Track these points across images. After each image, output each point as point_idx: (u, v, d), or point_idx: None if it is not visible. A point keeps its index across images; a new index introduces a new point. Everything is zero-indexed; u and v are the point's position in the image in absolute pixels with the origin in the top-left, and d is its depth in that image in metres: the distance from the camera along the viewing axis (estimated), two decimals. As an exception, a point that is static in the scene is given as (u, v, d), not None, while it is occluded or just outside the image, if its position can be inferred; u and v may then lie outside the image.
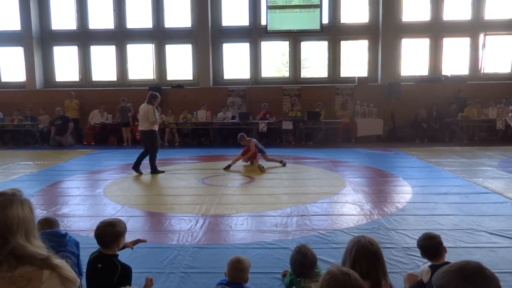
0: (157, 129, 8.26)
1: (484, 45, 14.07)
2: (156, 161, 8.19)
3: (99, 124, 13.49)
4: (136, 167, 8.11)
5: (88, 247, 3.34)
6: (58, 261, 1.47)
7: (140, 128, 8.24)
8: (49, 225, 3.04)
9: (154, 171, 8.10)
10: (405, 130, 13.18)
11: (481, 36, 14.01)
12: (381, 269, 2.26)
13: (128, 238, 4.26)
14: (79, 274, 2.87)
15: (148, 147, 8.17)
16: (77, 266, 2.88)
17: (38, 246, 1.48)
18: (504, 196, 6.05)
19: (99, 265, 2.83)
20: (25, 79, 14.71)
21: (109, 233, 2.85)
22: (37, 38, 14.66)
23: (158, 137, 8.41)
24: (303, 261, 3.11)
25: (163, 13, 14.61)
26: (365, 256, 2.23)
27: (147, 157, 8.18)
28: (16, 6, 14.39)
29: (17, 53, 14.86)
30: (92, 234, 4.37)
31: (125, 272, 2.84)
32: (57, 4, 14.86)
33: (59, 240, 2.82)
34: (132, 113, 13.22)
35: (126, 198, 6.32)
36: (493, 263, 3.69)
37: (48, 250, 1.49)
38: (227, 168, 8.49)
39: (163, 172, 8.14)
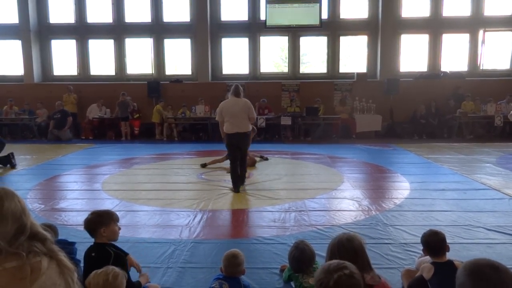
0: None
1: (483, 42, 14.06)
2: (155, 156, 8.00)
3: (97, 118, 13.46)
4: (236, 187, 6.36)
5: (86, 241, 3.33)
6: (56, 248, 1.57)
7: (238, 130, 6.29)
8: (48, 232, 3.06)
9: (238, 183, 6.38)
10: (403, 126, 13.18)
11: (481, 32, 13.99)
12: (360, 266, 2.23)
13: (126, 231, 4.29)
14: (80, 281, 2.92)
15: (240, 153, 6.43)
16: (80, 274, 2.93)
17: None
18: (502, 192, 6.05)
19: (93, 254, 2.92)
20: (23, 72, 14.65)
21: (93, 221, 2.98)
22: (35, 31, 14.58)
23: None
24: (300, 257, 3.11)
25: (161, 7, 14.54)
26: (341, 253, 2.28)
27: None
28: (14, -1, 14.32)
29: (15, 46, 14.79)
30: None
31: (120, 259, 2.88)
32: (55, -3, 14.78)
33: (68, 248, 2.88)
34: (131, 108, 13.20)
35: (124, 193, 6.31)
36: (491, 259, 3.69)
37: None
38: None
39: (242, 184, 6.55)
